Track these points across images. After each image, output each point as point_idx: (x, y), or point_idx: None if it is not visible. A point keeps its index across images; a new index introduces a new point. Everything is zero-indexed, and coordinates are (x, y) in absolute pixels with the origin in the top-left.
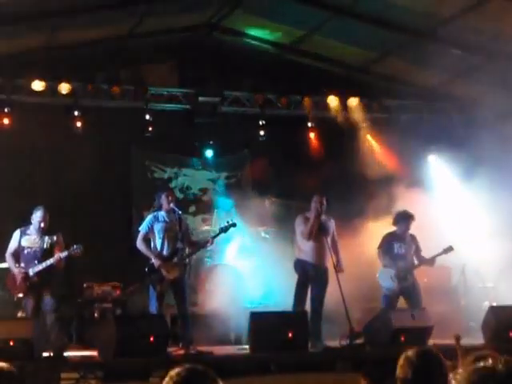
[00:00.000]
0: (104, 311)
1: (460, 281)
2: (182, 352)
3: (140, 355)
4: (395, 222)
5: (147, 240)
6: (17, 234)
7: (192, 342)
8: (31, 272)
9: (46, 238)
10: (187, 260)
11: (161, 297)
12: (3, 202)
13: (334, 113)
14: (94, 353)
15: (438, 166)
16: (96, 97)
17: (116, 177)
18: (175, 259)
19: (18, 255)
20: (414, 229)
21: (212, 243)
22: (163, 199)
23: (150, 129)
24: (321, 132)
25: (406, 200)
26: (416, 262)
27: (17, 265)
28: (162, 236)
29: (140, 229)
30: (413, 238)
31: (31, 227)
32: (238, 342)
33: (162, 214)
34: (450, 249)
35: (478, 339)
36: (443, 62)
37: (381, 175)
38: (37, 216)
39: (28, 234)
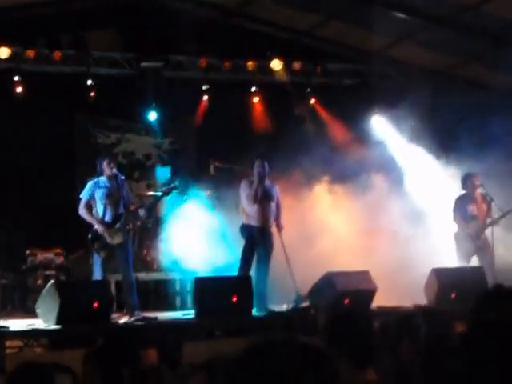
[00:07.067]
0: (47, 278)
1: None
2: (126, 318)
3: (84, 322)
4: (462, 185)
5: (89, 207)
6: None
7: (137, 307)
8: None
9: None
10: (130, 225)
11: (105, 263)
12: None
13: (278, 77)
14: (38, 320)
15: (382, 126)
16: (37, 61)
17: (59, 143)
18: (118, 225)
19: None
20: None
21: (145, 209)
22: (105, 165)
23: (93, 94)
24: (265, 96)
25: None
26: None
27: None
28: (103, 202)
29: (81, 196)
30: (483, 197)
31: None
32: (183, 307)
33: (103, 179)
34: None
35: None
36: (385, 25)
37: (325, 138)
38: None
39: None
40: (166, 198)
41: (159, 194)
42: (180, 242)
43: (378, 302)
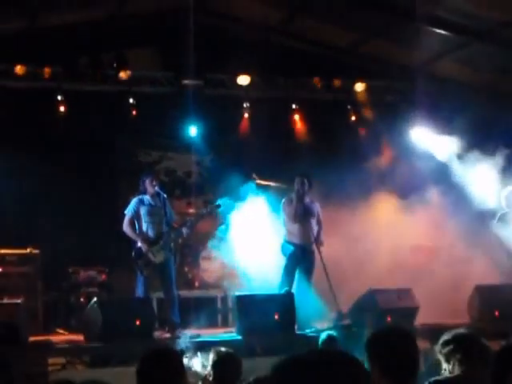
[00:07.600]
0: (90, 296)
1: None
2: (168, 336)
3: (126, 339)
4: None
5: (133, 224)
6: None
7: (178, 325)
8: None
9: None
10: (172, 243)
11: (147, 281)
12: None
13: (319, 94)
14: (81, 338)
15: (426, 141)
16: (79, 81)
17: (101, 160)
18: (161, 243)
19: None
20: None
21: (188, 227)
22: (147, 183)
23: (134, 112)
24: (305, 113)
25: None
26: None
27: None
28: (147, 220)
29: (125, 212)
30: None
31: None
32: (224, 324)
33: (146, 197)
34: None
35: (463, 319)
36: (426, 42)
37: (367, 153)
38: None
39: None
40: (212, 215)
41: (202, 212)
42: (229, 258)
43: (424, 319)
